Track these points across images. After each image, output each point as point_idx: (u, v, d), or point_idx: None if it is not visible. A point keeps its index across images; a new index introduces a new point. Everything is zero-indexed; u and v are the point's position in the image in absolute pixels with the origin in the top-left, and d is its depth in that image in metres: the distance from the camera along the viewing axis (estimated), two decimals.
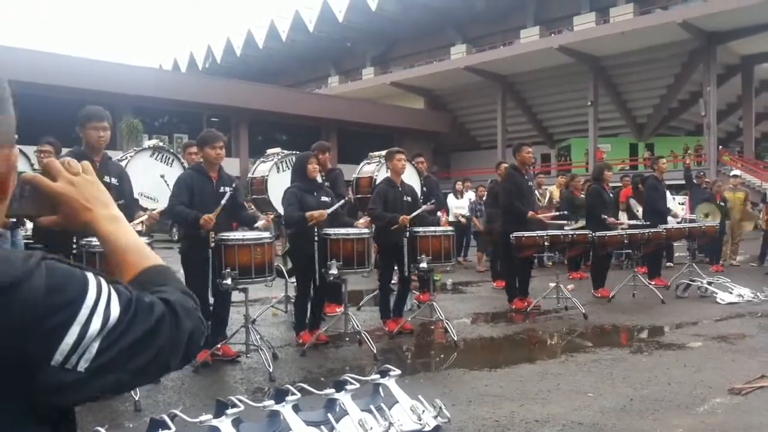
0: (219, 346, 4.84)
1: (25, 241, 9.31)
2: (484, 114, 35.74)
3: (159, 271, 0.92)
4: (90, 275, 0.75)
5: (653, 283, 8.33)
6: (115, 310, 0.75)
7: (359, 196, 7.05)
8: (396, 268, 6.23)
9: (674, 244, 10.73)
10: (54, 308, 0.70)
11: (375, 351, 5.02)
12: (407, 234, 5.77)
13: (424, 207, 6.02)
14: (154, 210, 4.68)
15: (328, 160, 6.63)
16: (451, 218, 11.33)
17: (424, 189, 7.44)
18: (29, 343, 0.69)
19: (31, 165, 5.69)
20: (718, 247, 11.23)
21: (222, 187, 4.97)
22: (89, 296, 0.73)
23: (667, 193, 9.82)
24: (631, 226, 8.22)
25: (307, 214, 5.09)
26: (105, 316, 0.73)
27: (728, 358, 4.99)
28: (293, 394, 3.05)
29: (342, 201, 5.55)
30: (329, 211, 5.20)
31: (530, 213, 7.09)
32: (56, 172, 0.89)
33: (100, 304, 0.73)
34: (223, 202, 4.72)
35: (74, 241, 4.09)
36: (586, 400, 3.93)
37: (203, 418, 2.82)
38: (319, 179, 5.79)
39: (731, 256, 11.95)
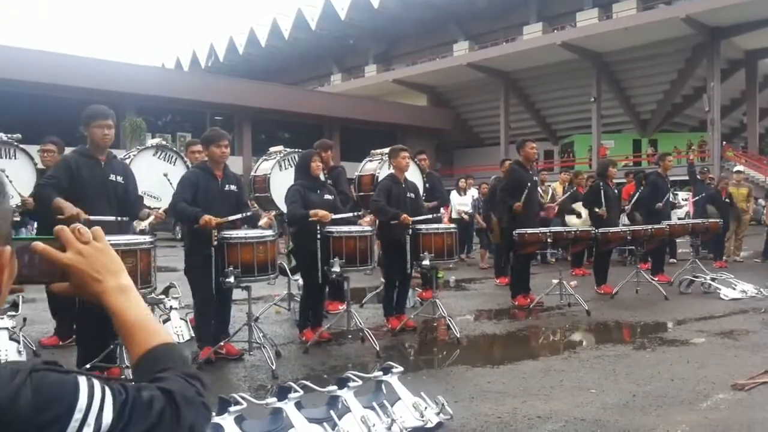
0: (222, 344, 4.86)
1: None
2: (487, 111, 35.70)
3: (165, 351, 0.89)
4: (82, 380, 0.73)
5: (656, 279, 8.32)
6: (108, 416, 0.72)
7: (361, 193, 7.05)
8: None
9: (677, 240, 10.71)
10: (42, 426, 0.68)
11: (378, 348, 5.02)
12: (410, 231, 5.78)
13: (428, 216, 6.00)
14: (158, 209, 4.70)
15: (330, 158, 6.63)
16: (454, 215, 11.35)
17: (427, 186, 7.44)
18: None
19: (35, 164, 5.68)
20: (721, 243, 11.21)
21: (228, 185, 4.98)
22: (79, 406, 0.70)
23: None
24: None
25: (312, 211, 5.09)
26: (96, 425, 0.71)
27: (731, 353, 4.98)
28: (296, 391, 3.06)
29: (351, 214, 5.49)
30: (336, 216, 5.19)
31: (516, 204, 6.88)
32: (66, 241, 0.89)
33: (92, 413, 0.71)
34: (233, 218, 4.69)
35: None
36: (588, 397, 3.93)
37: None
38: (322, 177, 5.79)
39: (735, 252, 11.92)
